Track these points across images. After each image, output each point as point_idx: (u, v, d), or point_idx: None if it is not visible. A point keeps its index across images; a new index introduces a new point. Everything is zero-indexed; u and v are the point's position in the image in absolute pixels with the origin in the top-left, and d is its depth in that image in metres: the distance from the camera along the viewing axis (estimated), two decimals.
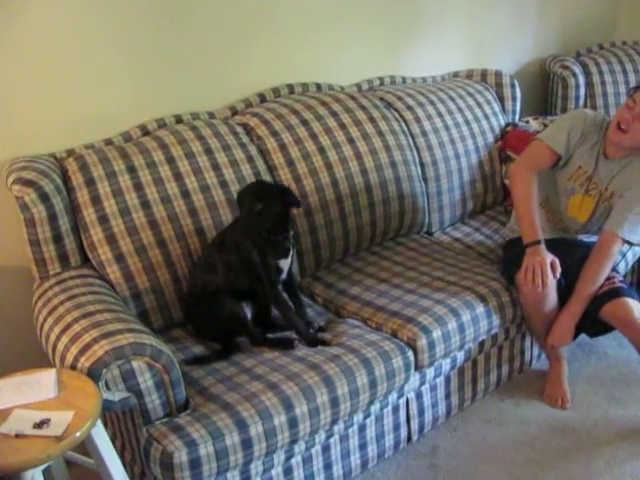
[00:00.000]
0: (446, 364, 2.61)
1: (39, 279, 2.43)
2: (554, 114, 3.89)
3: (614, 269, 2.78)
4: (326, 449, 2.35)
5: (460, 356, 2.64)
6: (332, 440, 2.35)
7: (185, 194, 2.58)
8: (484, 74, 3.63)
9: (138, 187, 2.52)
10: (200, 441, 1.95)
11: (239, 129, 2.85)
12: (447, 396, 2.70)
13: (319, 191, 2.85)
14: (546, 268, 2.54)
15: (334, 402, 2.18)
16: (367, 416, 2.41)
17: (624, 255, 3.00)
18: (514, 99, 3.62)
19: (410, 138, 3.17)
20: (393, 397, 2.46)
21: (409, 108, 3.23)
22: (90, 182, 2.46)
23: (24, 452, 1.67)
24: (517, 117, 3.65)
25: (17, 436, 1.71)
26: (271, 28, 3.00)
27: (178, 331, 2.54)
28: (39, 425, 1.74)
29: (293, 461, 2.26)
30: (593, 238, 2.84)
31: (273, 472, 2.22)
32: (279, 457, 2.18)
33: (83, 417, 1.77)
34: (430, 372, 2.56)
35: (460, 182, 3.29)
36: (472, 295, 2.62)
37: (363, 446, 2.46)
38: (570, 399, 2.83)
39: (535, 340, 2.95)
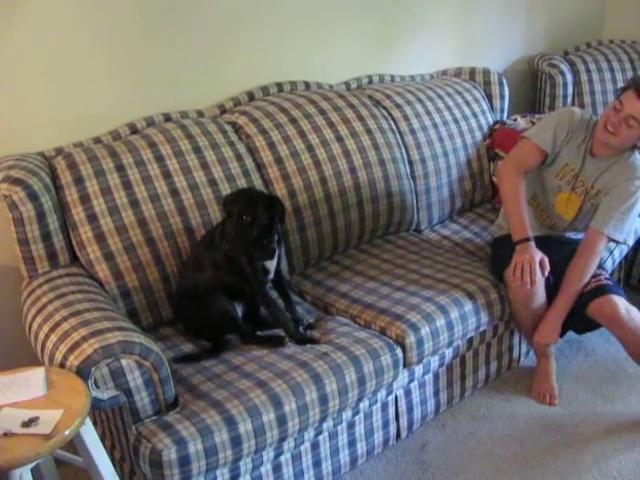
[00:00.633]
0: (435, 361, 2.62)
1: (28, 278, 2.43)
2: (542, 112, 3.90)
3: (601, 266, 2.79)
4: (315, 446, 2.36)
5: (448, 353, 2.66)
6: (321, 437, 2.36)
7: (174, 192, 2.58)
8: (472, 72, 3.64)
9: (127, 185, 2.52)
10: (189, 439, 1.96)
11: (228, 127, 2.85)
12: (436, 393, 2.72)
13: (308, 189, 2.85)
14: (535, 266, 2.56)
15: (323, 399, 2.18)
16: (356, 413, 2.41)
17: (611, 252, 3.02)
18: (502, 97, 3.63)
19: (399, 136, 3.18)
20: (382, 394, 2.47)
21: (398, 106, 3.24)
22: (79, 180, 2.46)
23: (12, 451, 1.67)
24: (505, 115, 3.66)
25: (5, 435, 1.71)
26: (260, 26, 3.00)
27: (167, 329, 2.54)
28: (28, 423, 1.73)
29: (282, 458, 2.27)
30: (580, 235, 2.86)
31: (262, 469, 2.22)
32: (268, 454, 2.18)
33: (72, 415, 1.77)
34: (419, 369, 2.57)
35: (448, 180, 3.30)
36: (460, 292, 2.63)
37: (352, 443, 2.47)
38: (558, 395, 2.85)
39: (523, 337, 2.97)
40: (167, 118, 2.81)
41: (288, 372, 2.20)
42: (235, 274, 2.39)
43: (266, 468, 2.24)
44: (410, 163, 3.19)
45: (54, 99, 2.54)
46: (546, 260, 2.58)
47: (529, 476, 2.49)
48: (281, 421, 2.10)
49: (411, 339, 2.43)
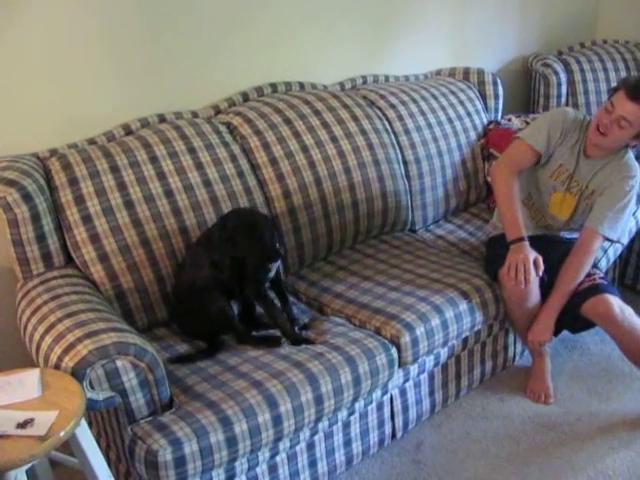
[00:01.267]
0: (430, 361, 2.62)
1: (22, 279, 2.42)
2: (536, 112, 3.91)
3: (595, 265, 2.80)
4: (311, 446, 2.36)
5: (443, 353, 2.66)
6: (317, 437, 2.36)
7: (168, 193, 2.58)
8: (467, 72, 3.64)
9: (121, 186, 2.52)
10: (184, 439, 1.96)
11: (222, 128, 2.85)
12: (431, 393, 2.72)
13: (302, 189, 2.85)
14: (529, 265, 2.56)
15: (318, 400, 2.18)
16: (351, 413, 2.42)
17: (605, 251, 3.03)
18: (496, 97, 3.64)
19: (393, 136, 3.18)
20: (377, 394, 2.47)
21: (392, 106, 3.25)
22: (73, 182, 2.46)
23: (7, 452, 1.66)
24: (499, 115, 3.67)
25: (0, 436, 1.70)
26: (254, 27, 3.00)
27: (162, 330, 2.54)
28: (23, 425, 1.73)
29: (278, 458, 2.27)
30: (575, 235, 2.86)
31: (258, 470, 2.23)
32: (264, 455, 2.19)
33: (67, 417, 1.76)
34: (414, 369, 2.57)
35: (443, 180, 3.31)
36: (455, 292, 2.63)
37: (348, 443, 2.47)
38: (553, 394, 2.86)
39: (518, 336, 2.97)
40: (161, 119, 2.81)
41: (283, 372, 2.20)
42: (235, 274, 2.40)
43: (262, 468, 2.24)
44: (405, 163, 3.19)
45: (48, 100, 2.54)
46: (540, 259, 2.58)
47: (524, 475, 2.49)
48: (276, 421, 2.10)
49: (406, 339, 2.44)
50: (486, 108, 3.59)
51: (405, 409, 2.63)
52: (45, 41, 2.48)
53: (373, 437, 2.55)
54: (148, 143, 2.64)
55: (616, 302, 2.63)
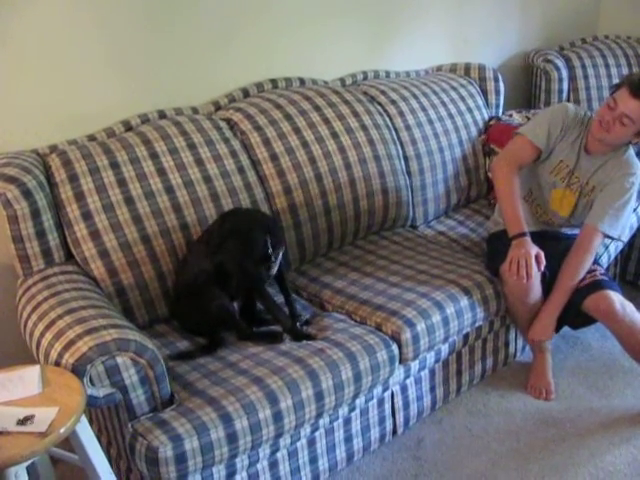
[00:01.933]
0: (430, 357, 2.62)
1: (23, 276, 2.42)
2: (537, 108, 3.91)
3: (596, 262, 2.80)
4: (311, 443, 2.36)
5: (444, 349, 2.66)
6: (317, 434, 2.36)
7: (169, 189, 2.58)
8: (467, 68, 3.64)
9: (122, 183, 2.51)
10: (185, 436, 1.96)
11: (222, 124, 2.85)
12: (432, 389, 2.72)
13: (303, 185, 2.85)
14: (531, 260, 2.55)
15: (319, 396, 2.18)
16: (352, 409, 2.41)
17: (606, 248, 3.02)
18: (497, 93, 3.63)
19: (394, 132, 3.18)
20: (378, 390, 2.47)
21: (393, 102, 3.24)
22: (73, 178, 2.46)
23: (7, 449, 1.66)
24: (500, 111, 3.66)
25: (0, 433, 1.70)
26: (254, 23, 2.99)
27: (163, 326, 2.54)
28: (23, 421, 1.73)
29: (279, 455, 2.27)
30: (576, 231, 2.86)
31: (259, 466, 2.22)
32: (264, 451, 2.18)
33: (67, 413, 1.76)
34: (415, 365, 2.57)
35: (444, 176, 3.30)
36: (456, 288, 2.63)
37: (349, 439, 2.47)
38: (554, 390, 2.85)
39: (519, 332, 2.97)
40: (161, 115, 2.81)
41: (284, 368, 2.20)
42: (237, 271, 2.40)
43: (262, 465, 2.24)
44: (405, 159, 3.19)
45: (48, 97, 2.53)
46: (542, 255, 2.58)
47: (525, 471, 2.49)
48: (277, 418, 2.10)
49: (407, 335, 2.43)
50: (487, 104, 3.59)
51: (406, 405, 2.63)
52: (45, 37, 2.47)
53: (374, 433, 2.55)
54: (148, 139, 2.63)
55: (617, 298, 2.62)
